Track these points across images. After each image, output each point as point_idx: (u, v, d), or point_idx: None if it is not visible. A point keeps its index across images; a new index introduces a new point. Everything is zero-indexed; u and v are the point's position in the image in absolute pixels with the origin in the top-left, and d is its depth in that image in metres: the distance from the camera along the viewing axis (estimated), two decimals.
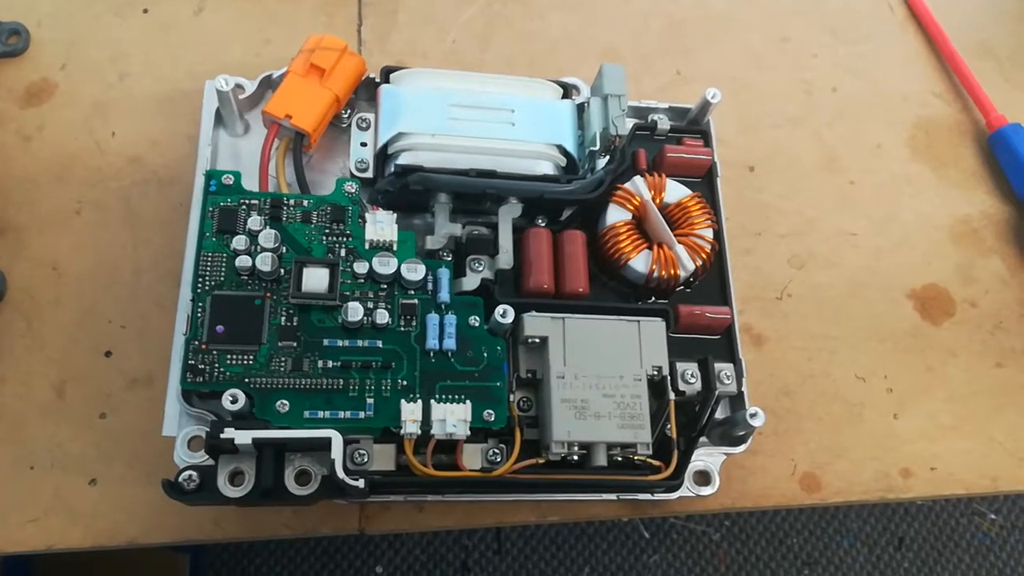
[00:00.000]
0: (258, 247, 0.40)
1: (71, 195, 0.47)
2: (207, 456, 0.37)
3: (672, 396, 0.41)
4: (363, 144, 0.45)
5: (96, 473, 0.42)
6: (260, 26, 0.52)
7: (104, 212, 0.47)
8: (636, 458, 0.40)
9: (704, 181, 0.48)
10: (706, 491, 0.43)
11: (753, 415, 0.41)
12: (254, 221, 0.40)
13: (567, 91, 0.47)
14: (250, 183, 0.42)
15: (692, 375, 0.42)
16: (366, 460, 0.38)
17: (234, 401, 0.36)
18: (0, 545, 0.41)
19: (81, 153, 0.48)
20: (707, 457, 0.43)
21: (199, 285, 0.39)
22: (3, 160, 0.47)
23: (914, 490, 0.47)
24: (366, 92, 0.47)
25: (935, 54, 0.59)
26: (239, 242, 0.40)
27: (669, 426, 0.41)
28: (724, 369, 0.43)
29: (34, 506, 0.41)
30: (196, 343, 0.38)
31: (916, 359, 0.50)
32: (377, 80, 0.46)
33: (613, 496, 0.43)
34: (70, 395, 0.43)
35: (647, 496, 0.43)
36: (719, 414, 0.43)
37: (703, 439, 0.43)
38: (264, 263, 0.39)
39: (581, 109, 0.46)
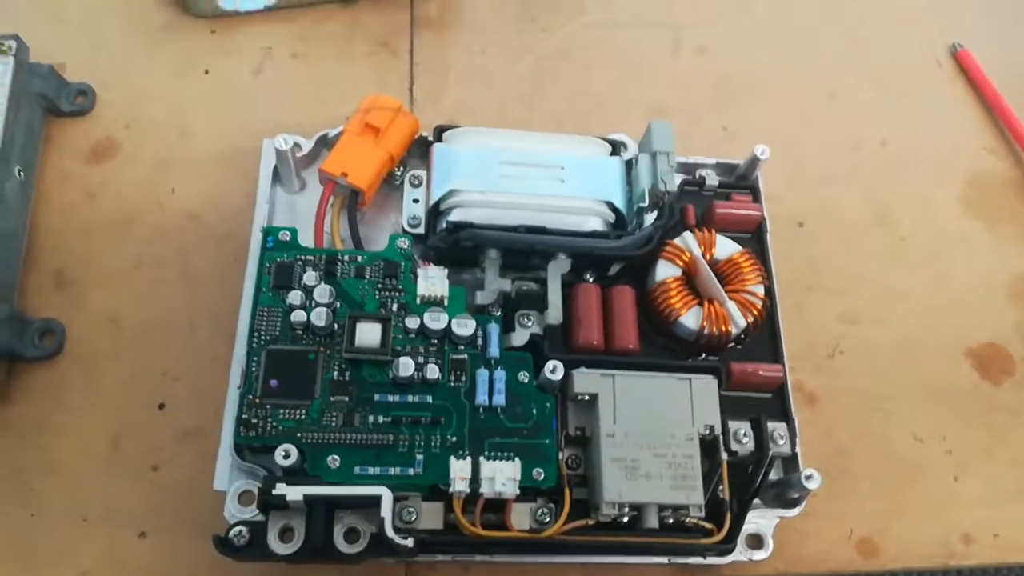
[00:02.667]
0: (313, 302, 0.40)
1: (131, 250, 0.48)
2: (257, 511, 0.37)
3: (725, 456, 0.40)
4: (415, 201, 0.46)
5: (146, 526, 0.42)
6: (316, 87, 0.54)
7: (163, 267, 0.48)
8: (688, 520, 0.39)
9: (753, 237, 0.47)
10: (759, 555, 0.42)
11: (809, 477, 0.40)
12: (309, 276, 0.41)
13: (615, 148, 0.48)
14: (305, 239, 0.43)
15: (745, 434, 0.41)
16: (414, 518, 0.38)
17: (286, 456, 0.37)
18: None
19: (142, 209, 0.49)
20: (760, 520, 0.42)
21: (254, 340, 0.40)
22: (67, 215, 0.49)
23: (976, 557, 0.45)
24: (418, 150, 0.48)
25: (985, 108, 0.58)
26: (294, 297, 0.40)
27: (721, 487, 0.40)
28: (777, 428, 0.42)
29: (85, 558, 0.41)
30: (250, 397, 0.38)
31: (976, 420, 0.48)
32: (430, 138, 0.46)
33: (664, 559, 0.42)
34: (124, 448, 0.44)
35: (699, 560, 0.42)
36: (772, 475, 0.42)
37: (756, 501, 0.42)
38: (318, 318, 0.39)
39: (629, 166, 0.47)
